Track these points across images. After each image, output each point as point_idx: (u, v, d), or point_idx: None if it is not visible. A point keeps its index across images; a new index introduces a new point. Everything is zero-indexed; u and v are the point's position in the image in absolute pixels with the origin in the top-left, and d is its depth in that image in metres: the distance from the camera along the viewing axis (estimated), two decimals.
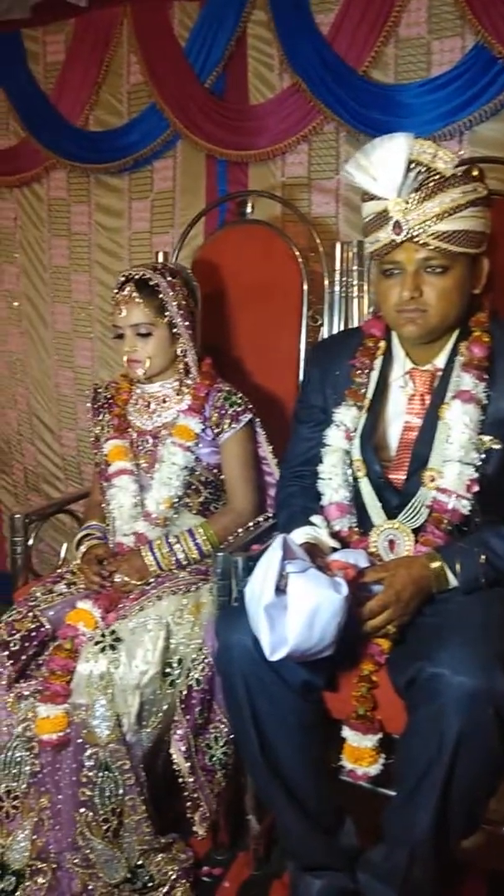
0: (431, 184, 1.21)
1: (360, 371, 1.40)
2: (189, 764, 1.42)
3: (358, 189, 1.95)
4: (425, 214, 1.20)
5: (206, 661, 1.46)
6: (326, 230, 2.04)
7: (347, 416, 1.40)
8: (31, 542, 1.78)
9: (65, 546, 1.94)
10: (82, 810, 1.40)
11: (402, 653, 1.24)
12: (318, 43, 2.02)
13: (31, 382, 2.76)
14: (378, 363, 1.41)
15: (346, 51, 1.98)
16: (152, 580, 1.58)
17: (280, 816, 1.33)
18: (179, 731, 1.42)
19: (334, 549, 1.34)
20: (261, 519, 1.64)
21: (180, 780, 1.44)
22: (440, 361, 1.35)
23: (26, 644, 1.48)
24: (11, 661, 1.47)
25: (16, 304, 2.73)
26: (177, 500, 1.64)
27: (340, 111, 1.99)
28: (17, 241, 2.68)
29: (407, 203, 1.21)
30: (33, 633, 1.50)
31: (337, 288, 1.83)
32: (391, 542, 1.34)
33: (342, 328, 1.83)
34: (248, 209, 2.01)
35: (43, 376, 2.73)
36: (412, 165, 1.20)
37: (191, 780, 1.43)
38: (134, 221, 2.43)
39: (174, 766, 1.44)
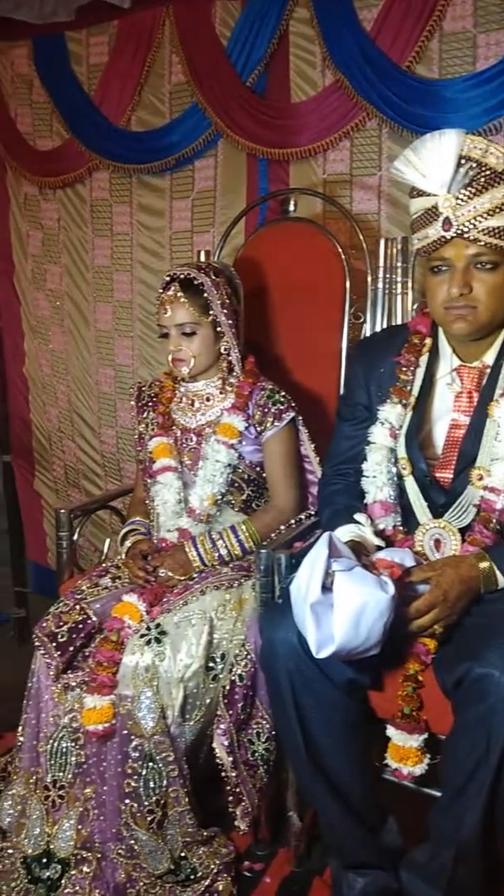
0: (482, 180, 1.19)
1: (405, 368, 1.40)
2: (231, 758, 1.44)
3: (400, 185, 1.97)
4: (476, 210, 1.19)
5: (248, 657, 1.48)
6: (368, 227, 2.03)
7: (392, 414, 1.40)
8: (75, 536, 1.81)
9: (107, 541, 1.97)
10: (127, 801, 1.42)
11: (449, 653, 1.23)
12: (362, 39, 2.00)
13: (73, 380, 2.81)
14: (424, 360, 1.40)
15: (390, 46, 1.97)
16: (195, 575, 1.60)
17: (324, 813, 1.33)
18: (222, 726, 1.44)
19: (379, 548, 1.34)
20: (303, 517, 1.65)
21: (223, 774, 1.45)
22: (489, 358, 1.34)
23: (73, 636, 1.51)
24: (59, 653, 1.49)
25: (59, 303, 2.78)
26: (220, 497, 1.65)
27: (384, 107, 1.97)
28: (61, 242, 2.72)
29: (457, 199, 1.20)
30: (80, 625, 1.53)
31: (380, 285, 1.82)
32: (437, 542, 1.33)
33: (385, 325, 1.82)
34: (292, 207, 2.00)
35: (84, 374, 2.77)
36: (463, 161, 1.19)
37: (233, 774, 1.44)
38: (175, 221, 2.45)
39: (217, 761, 1.45)
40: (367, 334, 1.84)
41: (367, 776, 1.31)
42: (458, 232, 1.21)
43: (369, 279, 1.85)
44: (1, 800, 1.56)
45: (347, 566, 1.19)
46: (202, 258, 2.17)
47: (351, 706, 1.27)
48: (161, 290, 1.66)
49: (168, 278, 1.66)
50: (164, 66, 2.39)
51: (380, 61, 1.98)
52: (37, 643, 1.52)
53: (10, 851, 1.50)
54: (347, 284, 1.86)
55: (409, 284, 1.78)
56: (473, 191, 1.19)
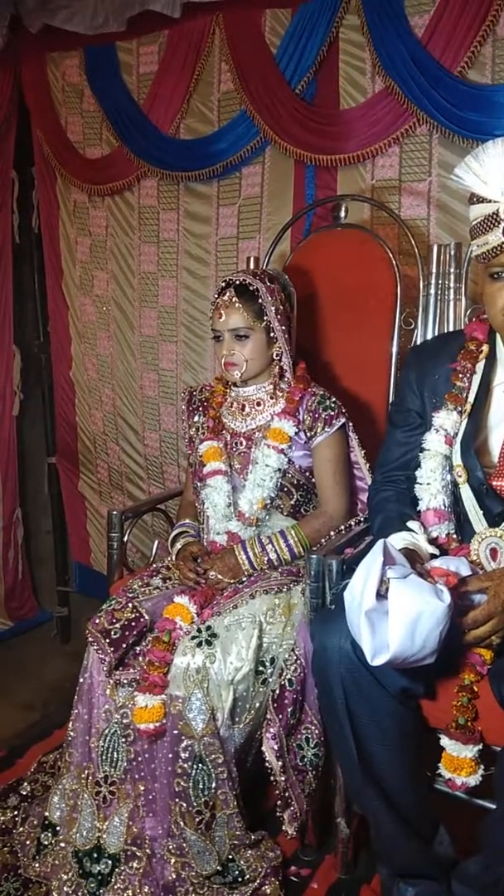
0: None
1: (461, 374, 1.39)
2: (281, 763, 1.45)
3: (451, 191, 1.96)
4: None
5: (298, 661, 1.48)
6: (416, 232, 2.02)
7: (448, 421, 1.39)
8: (125, 538, 1.84)
9: (156, 543, 2.00)
10: (177, 801, 1.44)
11: None
12: (413, 45, 2.00)
13: (118, 384, 2.85)
14: (480, 367, 1.39)
15: (442, 52, 1.96)
16: (245, 579, 1.61)
17: (375, 821, 1.32)
18: (272, 730, 1.44)
19: (433, 556, 1.33)
20: (352, 523, 1.65)
21: (272, 778, 1.46)
22: None
23: (126, 633, 1.53)
24: (112, 649, 1.52)
25: (105, 308, 2.83)
26: (269, 501, 1.67)
27: (435, 113, 1.97)
28: (108, 248, 2.77)
29: None
30: (132, 623, 1.55)
31: (432, 291, 1.81)
32: (493, 551, 1.32)
33: (436, 332, 1.81)
34: (343, 213, 2.01)
35: (128, 378, 2.81)
36: None
37: (282, 778, 1.45)
38: (221, 227, 2.47)
39: (265, 764, 1.46)
40: (418, 341, 1.83)
41: (420, 785, 1.30)
42: None
43: (421, 285, 1.84)
44: (52, 794, 1.59)
45: (402, 574, 1.18)
46: (251, 265, 2.19)
47: (404, 714, 1.26)
48: (216, 296, 1.68)
49: (224, 283, 1.68)
50: (213, 75, 2.42)
51: (431, 67, 1.97)
52: (90, 639, 1.55)
53: (62, 845, 1.53)
54: (398, 291, 1.85)
55: (463, 290, 1.77)
56: None
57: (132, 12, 2.44)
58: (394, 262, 1.87)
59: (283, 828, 1.48)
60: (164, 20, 2.40)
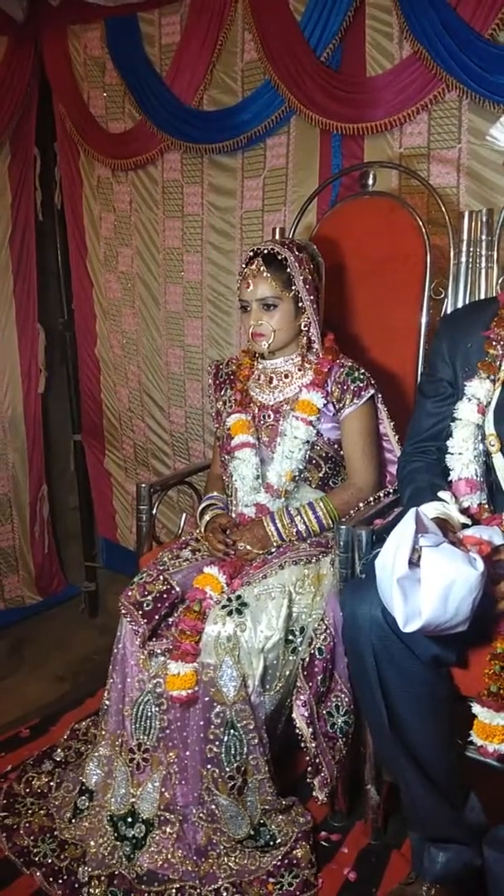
0: None
1: (495, 343, 1.37)
2: (311, 729, 1.46)
3: (481, 158, 1.92)
4: None
5: (327, 631, 1.49)
6: (447, 200, 1.98)
7: (480, 390, 1.38)
8: (154, 511, 1.85)
9: (184, 516, 2.01)
10: (209, 766, 1.46)
11: None
12: (442, 8, 1.94)
13: (143, 360, 2.86)
14: None
15: (472, 15, 1.90)
16: (273, 550, 1.62)
17: (406, 788, 1.34)
18: (302, 697, 1.46)
19: (465, 526, 1.33)
20: (381, 494, 1.64)
21: (302, 745, 1.47)
22: None
23: (158, 605, 1.56)
24: (145, 620, 1.54)
25: (130, 285, 2.82)
26: (297, 473, 1.66)
27: (464, 78, 1.91)
28: (133, 224, 2.76)
29: None
30: (164, 595, 1.57)
31: (463, 259, 1.78)
32: None
33: (467, 301, 1.78)
34: (370, 181, 1.97)
35: (154, 355, 2.81)
36: None
37: (312, 745, 1.46)
38: (246, 200, 2.45)
39: (296, 731, 1.47)
40: (448, 311, 1.81)
41: (451, 752, 1.31)
42: None
43: (452, 253, 1.81)
44: (87, 760, 1.63)
45: (435, 542, 1.18)
46: (277, 235, 2.16)
47: (436, 681, 1.27)
48: (244, 266, 1.67)
49: (252, 253, 1.67)
50: (236, 44, 2.38)
51: (461, 30, 1.91)
52: (123, 611, 1.57)
53: (97, 809, 1.57)
54: (428, 259, 1.83)
55: (495, 258, 1.73)
56: None
57: None
58: (423, 230, 1.84)
59: (314, 794, 1.49)
60: None
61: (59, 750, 1.84)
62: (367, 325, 1.94)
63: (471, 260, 1.78)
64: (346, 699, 1.50)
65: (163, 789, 1.52)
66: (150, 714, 1.52)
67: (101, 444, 3.10)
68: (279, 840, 1.50)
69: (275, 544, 1.63)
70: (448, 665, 1.29)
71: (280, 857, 1.47)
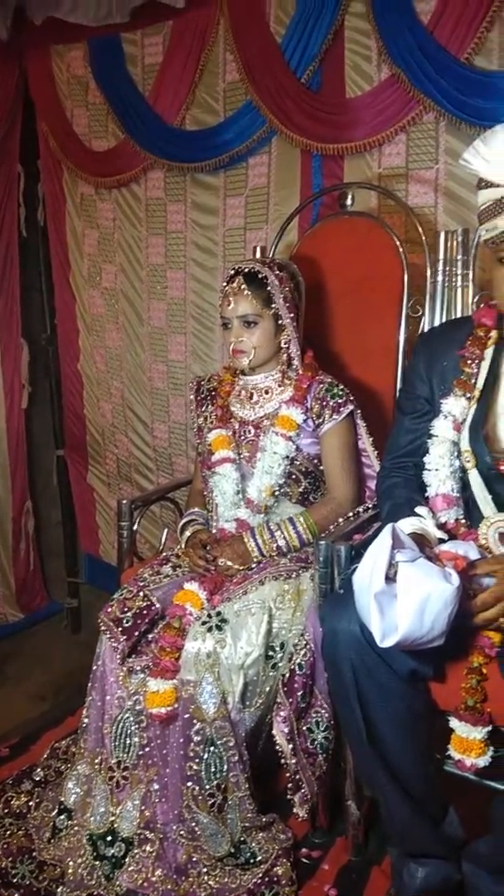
0: None
1: (470, 361, 1.39)
2: (291, 746, 1.46)
3: (458, 178, 1.95)
4: None
5: (307, 646, 1.50)
6: (424, 220, 2.02)
7: (456, 407, 1.40)
8: (135, 526, 1.86)
9: (165, 532, 2.01)
10: (189, 784, 1.46)
11: None
12: (419, 32, 1.99)
13: (126, 376, 2.86)
14: (489, 353, 1.39)
15: (448, 39, 1.95)
16: (254, 565, 1.62)
17: (385, 802, 1.34)
18: (282, 713, 1.46)
19: (442, 541, 1.34)
20: (361, 509, 1.66)
21: (282, 761, 1.48)
22: None
23: (138, 621, 1.55)
24: (125, 637, 1.54)
25: (113, 301, 2.84)
26: (277, 488, 1.68)
27: (441, 100, 1.96)
28: (116, 241, 2.78)
29: None
30: (144, 611, 1.57)
31: (440, 278, 1.81)
32: (502, 535, 1.33)
33: (444, 319, 1.81)
34: (349, 201, 2.01)
35: (137, 370, 2.82)
36: None
37: (293, 761, 1.46)
38: (228, 218, 2.47)
39: (276, 748, 1.47)
40: (426, 329, 1.83)
41: (429, 766, 1.31)
42: None
43: (428, 272, 1.84)
44: (66, 779, 1.61)
45: (411, 557, 1.20)
46: (258, 254, 2.19)
47: (413, 696, 1.28)
48: (225, 283, 1.70)
49: (233, 271, 1.69)
50: (218, 65, 2.41)
51: (438, 54, 1.96)
52: (102, 627, 1.57)
53: (76, 829, 1.55)
54: (406, 278, 1.86)
55: (470, 277, 1.77)
56: None
57: (136, 3, 2.44)
58: (400, 249, 1.87)
59: (294, 810, 1.49)
60: (168, 10, 2.39)
61: (38, 769, 1.83)
62: (346, 342, 1.96)
63: (447, 279, 1.81)
64: (327, 715, 1.50)
65: (143, 807, 1.51)
66: (129, 732, 1.52)
67: (84, 459, 3.10)
68: (260, 857, 1.49)
69: (255, 560, 1.63)
70: (425, 679, 1.30)
71: (261, 875, 1.47)
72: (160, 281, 2.68)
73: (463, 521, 1.40)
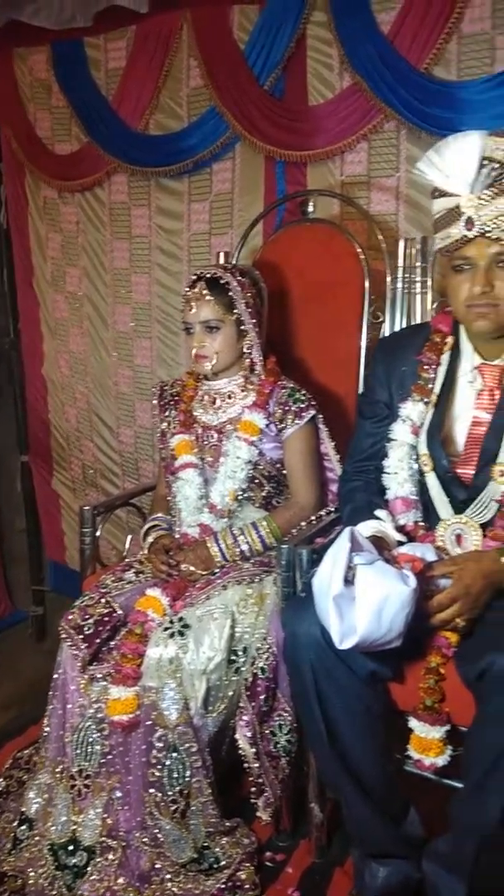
0: None
1: (427, 366, 1.42)
2: (254, 750, 1.46)
3: (419, 186, 1.99)
4: (498, 210, 1.22)
5: (270, 650, 1.50)
6: (385, 227, 2.05)
7: (414, 412, 1.42)
8: (98, 533, 1.84)
9: (129, 538, 2.01)
10: (151, 791, 1.45)
11: (472, 646, 1.25)
12: (380, 42, 2.02)
13: (92, 381, 2.84)
14: (446, 358, 1.42)
15: (408, 49, 1.98)
16: (217, 570, 1.62)
17: (347, 803, 1.35)
18: (245, 718, 1.46)
19: (400, 543, 1.36)
20: (323, 513, 1.67)
21: (245, 765, 1.48)
22: None
23: (99, 628, 1.54)
24: (86, 644, 1.53)
25: (78, 305, 2.82)
26: (241, 493, 1.68)
27: (402, 109, 1.99)
28: (80, 245, 2.76)
29: (480, 199, 1.22)
30: (106, 618, 1.56)
31: (399, 284, 1.84)
32: (458, 537, 1.35)
33: (404, 325, 1.84)
34: (311, 208, 2.03)
35: (103, 375, 2.80)
36: (485, 162, 1.21)
37: (256, 765, 1.47)
38: (193, 223, 2.48)
39: (239, 752, 1.48)
40: (387, 334, 1.86)
41: (389, 767, 1.33)
42: (481, 231, 1.24)
43: (388, 279, 1.87)
44: (27, 789, 1.59)
45: (369, 560, 1.21)
46: (221, 260, 2.20)
47: (373, 697, 1.29)
48: (187, 289, 1.70)
49: (195, 277, 1.70)
50: (181, 71, 2.42)
51: (398, 64, 1.99)
52: (63, 635, 1.56)
53: (38, 839, 1.53)
54: (366, 285, 1.88)
55: (429, 284, 1.80)
56: (496, 191, 1.22)
57: (99, 7, 2.43)
58: (361, 256, 1.90)
59: (258, 814, 1.50)
60: (131, 15, 2.39)
61: (0, 780, 1.80)
62: (309, 347, 1.98)
63: (407, 285, 1.84)
64: (289, 718, 1.51)
65: (105, 815, 1.50)
66: (91, 739, 1.50)
67: (48, 464, 3.06)
68: (223, 862, 1.49)
69: (218, 565, 1.63)
70: (385, 680, 1.32)
71: (224, 880, 1.46)
72: (125, 285, 2.67)
73: (421, 523, 1.42)
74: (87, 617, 1.55)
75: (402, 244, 1.84)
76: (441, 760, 1.27)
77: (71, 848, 1.50)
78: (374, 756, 1.30)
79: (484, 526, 1.33)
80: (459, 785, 1.26)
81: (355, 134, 2.11)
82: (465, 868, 1.22)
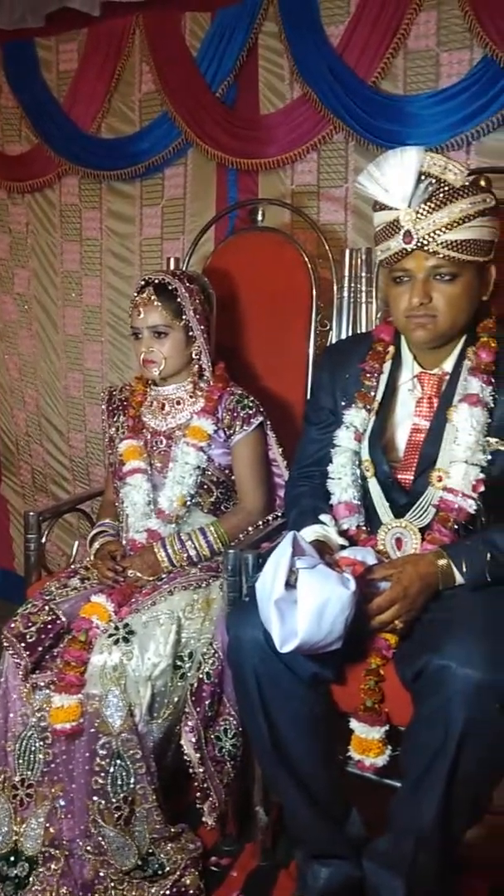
0: (441, 195, 1.25)
1: (369, 374, 1.45)
2: (199, 755, 1.46)
3: (366, 198, 2.02)
4: (435, 224, 1.25)
5: (216, 655, 1.51)
6: (334, 237, 2.09)
7: (357, 418, 1.45)
8: (43, 539, 1.82)
9: (76, 544, 1.99)
10: (95, 798, 1.44)
11: (410, 647, 1.28)
12: (329, 54, 2.06)
13: (41, 384, 2.81)
14: (387, 367, 1.45)
15: (356, 62, 2.03)
16: (164, 576, 1.62)
17: (289, 805, 1.36)
18: (190, 723, 1.46)
19: (343, 547, 1.38)
20: (270, 518, 1.68)
21: (190, 770, 1.48)
22: (448, 366, 1.40)
23: (42, 636, 1.52)
24: (28, 653, 1.50)
25: (27, 307, 2.78)
26: (189, 498, 1.68)
27: (350, 121, 2.03)
28: (29, 246, 2.73)
29: (418, 213, 1.26)
30: (49, 626, 1.54)
31: (346, 294, 1.88)
32: (398, 541, 1.38)
33: (350, 333, 1.88)
34: (260, 216, 2.05)
35: (52, 378, 2.77)
36: (423, 177, 1.25)
37: (200, 770, 1.47)
38: (145, 227, 2.48)
39: (185, 758, 1.47)
40: (333, 341, 1.89)
41: (331, 768, 1.35)
42: (419, 244, 1.27)
43: (335, 288, 1.90)
44: None
45: (310, 564, 1.22)
46: (171, 265, 2.20)
47: (315, 699, 1.30)
48: (136, 294, 1.70)
49: (143, 282, 1.70)
50: (133, 75, 2.42)
51: (346, 76, 2.03)
52: (5, 643, 1.53)
53: None
54: (314, 293, 1.91)
55: (374, 294, 1.84)
56: (433, 206, 1.25)
57: (50, 9, 2.42)
58: (309, 265, 1.93)
59: (203, 819, 1.50)
60: (83, 18, 2.39)
61: None
62: (258, 354, 2.00)
63: (352, 295, 1.87)
64: (234, 722, 1.51)
65: (47, 825, 1.48)
66: (33, 748, 1.48)
67: None
68: (168, 868, 1.48)
69: (165, 570, 1.63)
70: (327, 683, 1.34)
71: (169, 886, 1.46)
72: (75, 288, 2.65)
73: (364, 527, 1.45)
74: (29, 625, 1.53)
75: (347, 254, 1.88)
76: (381, 761, 1.29)
77: (12, 859, 1.47)
78: (316, 757, 1.31)
79: (423, 530, 1.36)
80: (398, 784, 1.29)
81: (305, 144, 2.14)
82: (404, 866, 1.24)
